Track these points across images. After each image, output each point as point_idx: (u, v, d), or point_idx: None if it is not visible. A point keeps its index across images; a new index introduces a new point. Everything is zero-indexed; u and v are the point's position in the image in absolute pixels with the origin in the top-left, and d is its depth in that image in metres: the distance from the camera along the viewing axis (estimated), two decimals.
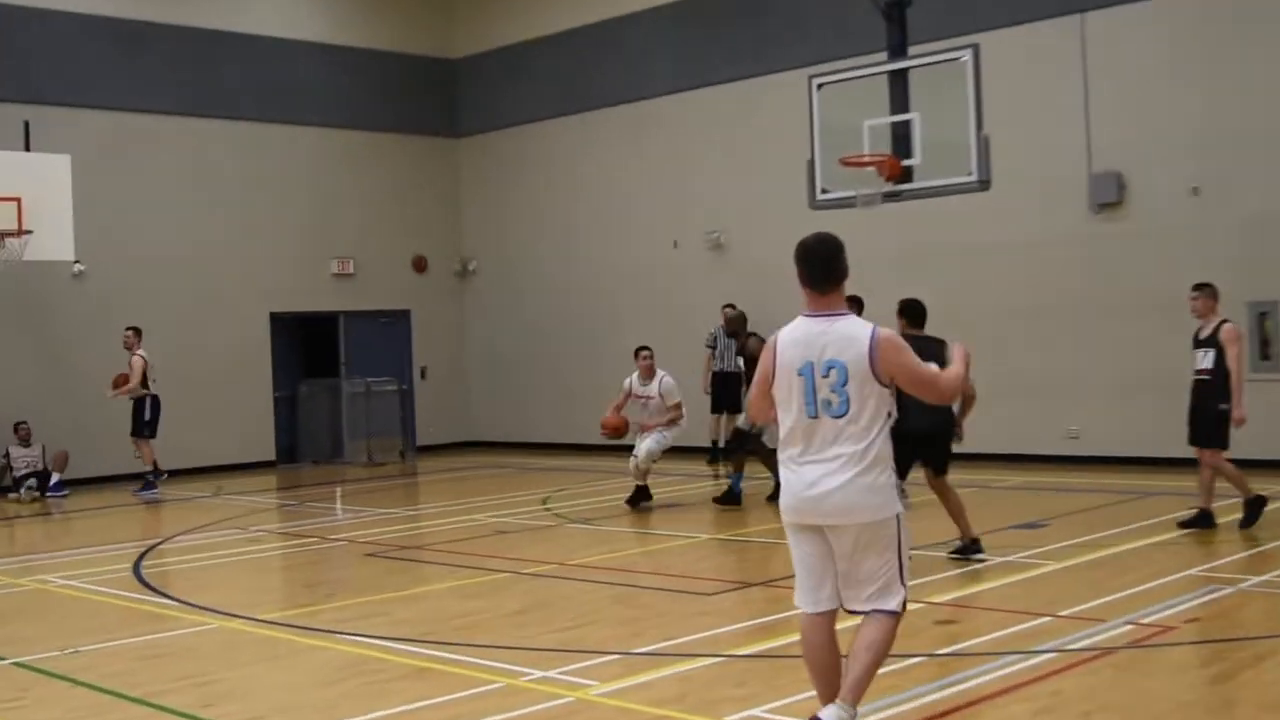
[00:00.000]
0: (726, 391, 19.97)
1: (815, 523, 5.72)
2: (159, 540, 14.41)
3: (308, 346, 24.39)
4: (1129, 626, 8.25)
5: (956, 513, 10.89)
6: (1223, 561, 10.36)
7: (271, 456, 22.90)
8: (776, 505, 12.61)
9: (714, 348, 20.14)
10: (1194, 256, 16.50)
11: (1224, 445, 11.81)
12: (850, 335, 5.66)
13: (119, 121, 21.32)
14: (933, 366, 6.07)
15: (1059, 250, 17.68)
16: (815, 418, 5.67)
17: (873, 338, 5.63)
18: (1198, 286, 12.10)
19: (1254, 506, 11.79)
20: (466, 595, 10.46)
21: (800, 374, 5.69)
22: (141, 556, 13.03)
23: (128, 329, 19.37)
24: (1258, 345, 16.09)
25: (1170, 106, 16.89)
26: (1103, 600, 9.04)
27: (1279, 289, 16.00)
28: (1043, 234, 17.81)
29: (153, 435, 19.23)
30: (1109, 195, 17.20)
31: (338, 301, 24.03)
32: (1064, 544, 11.40)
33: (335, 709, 7.11)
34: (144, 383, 19.13)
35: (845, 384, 5.59)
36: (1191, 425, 12.03)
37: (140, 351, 19.16)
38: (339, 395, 23.64)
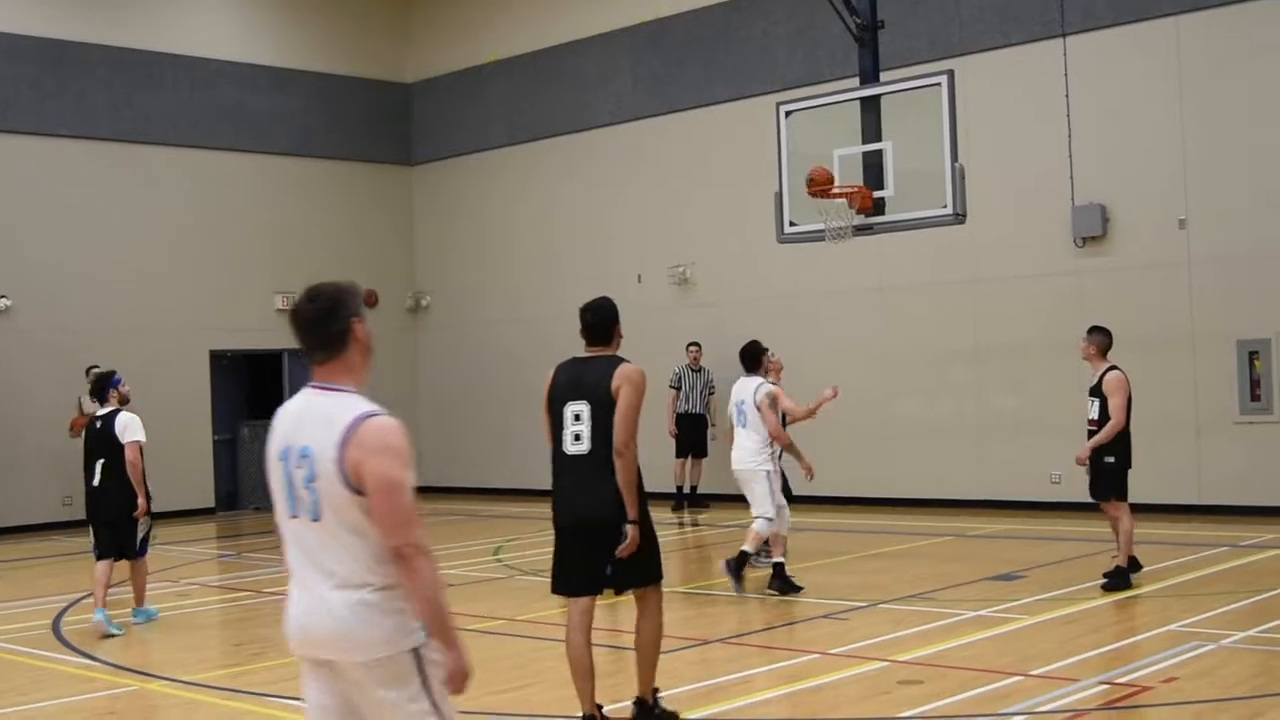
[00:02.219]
0: (694, 434, 20.15)
1: (312, 655, 4.48)
2: (84, 594, 14.24)
3: (250, 386, 24.27)
4: (1103, 687, 8.23)
5: None
6: (1206, 616, 10.32)
7: (210, 503, 22.73)
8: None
9: (679, 388, 20.19)
10: (1180, 292, 16.61)
11: (1122, 497, 11.70)
12: (329, 416, 4.39)
13: (48, 148, 21.23)
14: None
15: (1039, 286, 17.74)
16: (296, 518, 4.46)
17: (352, 424, 4.34)
18: (1090, 330, 12.08)
19: (1124, 573, 11.60)
20: None
21: (280, 459, 4.51)
22: (63, 612, 12.88)
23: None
24: (1247, 386, 16.16)
25: (1156, 135, 17.00)
26: (1077, 658, 9.03)
27: (1269, 326, 16.07)
28: (1022, 269, 17.88)
29: None
30: (1092, 228, 17.26)
31: (282, 338, 23.80)
32: (1039, 597, 11.38)
33: None
34: None
35: (313, 480, 4.37)
36: (1091, 482, 11.91)
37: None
38: None
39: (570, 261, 22.92)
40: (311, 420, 4.41)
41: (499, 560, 15.51)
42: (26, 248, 20.65)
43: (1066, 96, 17.30)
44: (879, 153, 14.01)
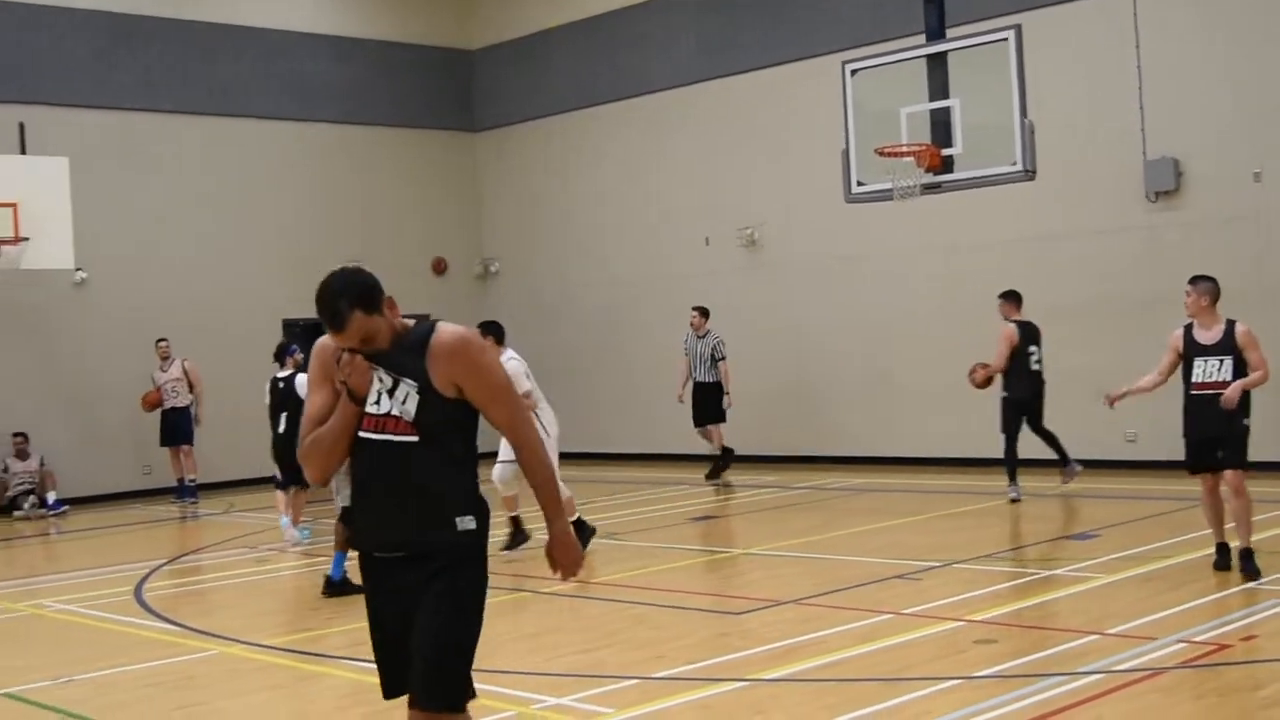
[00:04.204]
0: (699, 402, 19.19)
1: None
2: (164, 561, 14.48)
3: None
4: (1180, 645, 8.15)
5: None
6: None
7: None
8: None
9: (689, 355, 19.32)
10: (1256, 246, 16.37)
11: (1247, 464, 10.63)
12: None
13: (120, 121, 21.46)
14: None
15: (1113, 242, 17.52)
16: None
17: None
18: (1195, 280, 10.63)
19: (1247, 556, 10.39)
20: None
21: None
22: (144, 579, 13.10)
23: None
24: None
25: (1229, 86, 16.70)
26: (1154, 617, 8.94)
27: None
28: (1095, 225, 17.67)
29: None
30: (1166, 183, 17.01)
31: None
32: (1116, 555, 11.29)
33: None
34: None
35: None
36: (1224, 448, 10.46)
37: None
38: None
39: (636, 225, 22.91)
40: None
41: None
42: (98, 222, 20.84)
43: (1137, 48, 17.03)
44: (947, 110, 13.94)
